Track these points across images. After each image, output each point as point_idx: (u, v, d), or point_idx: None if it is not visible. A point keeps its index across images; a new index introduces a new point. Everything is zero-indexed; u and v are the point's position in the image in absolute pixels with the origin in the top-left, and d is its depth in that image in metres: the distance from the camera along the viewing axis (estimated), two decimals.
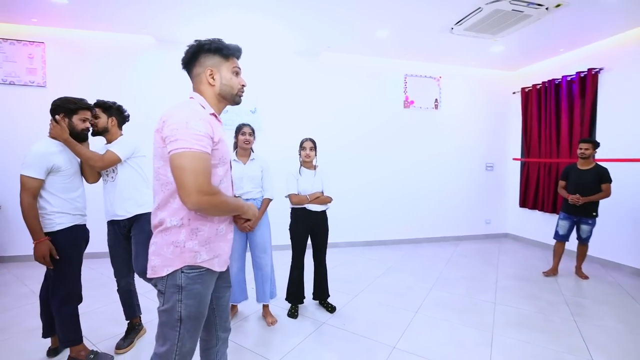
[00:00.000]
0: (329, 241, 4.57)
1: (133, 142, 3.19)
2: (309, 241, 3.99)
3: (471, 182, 7.64)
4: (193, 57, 1.84)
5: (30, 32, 5.67)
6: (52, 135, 2.87)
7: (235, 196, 2.90)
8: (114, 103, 3.24)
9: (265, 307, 3.91)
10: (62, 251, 2.87)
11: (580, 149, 4.84)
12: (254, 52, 6.37)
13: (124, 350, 3.23)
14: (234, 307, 4.03)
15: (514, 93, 7.67)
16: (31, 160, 2.71)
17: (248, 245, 3.84)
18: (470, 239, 7.63)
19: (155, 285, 1.80)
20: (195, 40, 1.84)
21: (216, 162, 1.78)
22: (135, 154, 3.18)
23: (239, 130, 3.75)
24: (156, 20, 5.25)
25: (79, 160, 3.02)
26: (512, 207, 7.82)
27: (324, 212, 3.96)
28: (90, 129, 3.04)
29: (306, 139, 3.90)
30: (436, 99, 7.29)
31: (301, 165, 3.95)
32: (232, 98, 1.91)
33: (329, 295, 4.16)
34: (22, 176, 2.70)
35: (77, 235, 2.97)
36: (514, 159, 7.79)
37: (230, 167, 2.02)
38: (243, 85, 1.92)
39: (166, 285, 1.75)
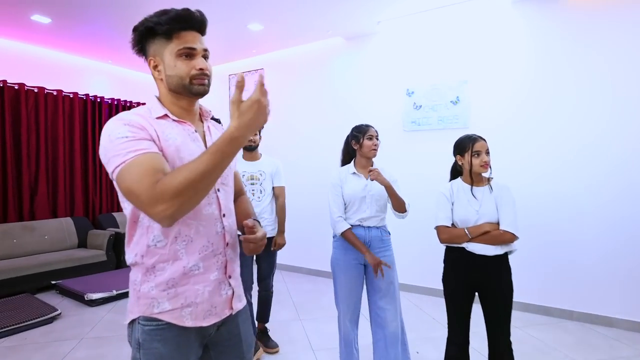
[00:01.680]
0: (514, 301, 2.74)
1: None
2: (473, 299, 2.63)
3: None
4: (141, 48, 1.43)
5: (253, 62, 6.61)
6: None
7: (351, 227, 2.74)
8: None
9: None
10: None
11: None
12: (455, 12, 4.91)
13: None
14: None
15: None
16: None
17: (365, 288, 2.91)
18: None
19: None
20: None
21: None
22: None
23: (363, 132, 2.82)
24: (338, 20, 5.15)
25: None
26: None
27: (501, 257, 2.46)
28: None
29: (475, 137, 2.50)
30: None
31: (466, 178, 2.55)
32: (187, 89, 1.38)
33: None
34: None
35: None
36: None
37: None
38: (201, 70, 1.36)
39: (131, 337, 1.40)
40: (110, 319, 4.39)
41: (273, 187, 3.49)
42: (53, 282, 5.09)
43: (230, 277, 1.46)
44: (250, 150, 3.43)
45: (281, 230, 3.51)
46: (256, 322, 3.66)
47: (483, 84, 4.74)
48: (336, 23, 5.18)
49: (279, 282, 5.55)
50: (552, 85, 4.34)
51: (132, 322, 1.37)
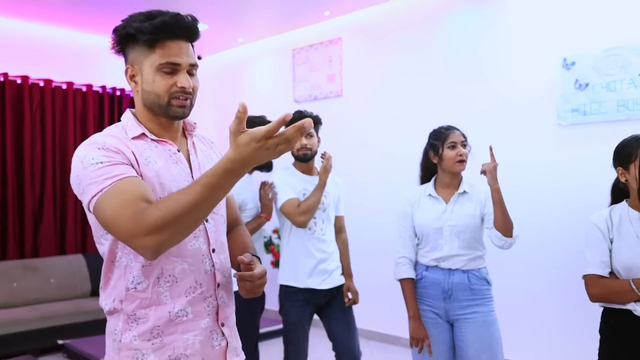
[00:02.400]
0: None
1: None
2: None
3: None
4: (120, 50, 1.43)
5: (325, 30, 5.61)
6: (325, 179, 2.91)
7: (412, 278, 2.70)
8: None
9: None
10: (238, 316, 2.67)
11: None
12: None
13: None
14: None
15: None
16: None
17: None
18: None
19: None
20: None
21: None
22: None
23: (443, 138, 2.53)
24: None
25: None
26: None
27: None
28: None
29: None
30: None
31: (634, 201, 2.15)
32: (163, 110, 1.36)
33: None
34: None
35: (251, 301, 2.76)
36: None
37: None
38: (182, 88, 1.32)
39: None
40: None
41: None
42: (60, 342, 4.63)
43: (223, 325, 1.47)
44: (305, 160, 2.94)
45: (349, 273, 3.13)
46: None
47: None
48: None
49: None
50: None
51: None
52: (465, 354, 2.46)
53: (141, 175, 1.27)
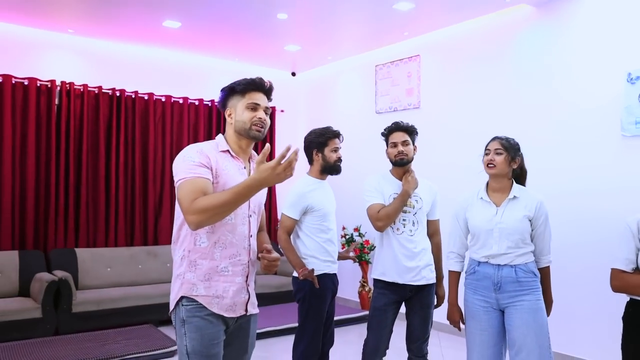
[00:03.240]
0: None
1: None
2: None
3: None
4: (223, 104, 2.14)
5: (404, 48, 5.96)
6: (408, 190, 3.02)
7: (458, 271, 2.95)
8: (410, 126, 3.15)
9: None
10: (306, 301, 3.17)
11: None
12: None
13: None
14: None
15: None
16: (291, 200, 3.14)
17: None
18: None
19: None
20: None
21: None
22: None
23: (485, 146, 2.79)
24: None
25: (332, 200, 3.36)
26: None
27: None
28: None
29: None
30: None
31: None
32: (246, 133, 2.01)
33: None
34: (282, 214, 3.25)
35: (324, 286, 3.19)
36: None
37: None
38: (259, 119, 2.00)
39: (175, 320, 1.96)
40: None
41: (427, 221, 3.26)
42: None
43: (249, 285, 2.04)
44: (401, 165, 3.04)
45: (440, 276, 3.23)
46: None
47: None
48: None
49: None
50: None
51: (176, 306, 1.90)
52: (512, 337, 2.60)
53: (217, 174, 1.86)
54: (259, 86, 2.04)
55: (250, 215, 2.05)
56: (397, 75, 6.06)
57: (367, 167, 5.46)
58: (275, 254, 2.01)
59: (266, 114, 2.01)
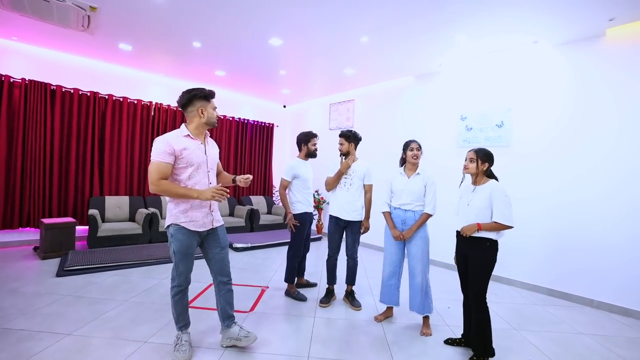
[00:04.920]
0: None
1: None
2: None
3: None
4: (188, 102, 2.89)
5: (347, 95, 8.54)
6: (341, 169, 4.09)
7: (388, 209, 3.83)
8: (351, 132, 4.22)
9: (426, 319, 3.80)
10: (296, 226, 4.45)
11: None
12: (496, 55, 5.74)
13: (324, 305, 4.36)
14: (389, 309, 4.09)
15: None
16: (286, 169, 4.35)
17: (406, 254, 3.85)
18: None
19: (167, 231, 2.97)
20: (188, 90, 2.90)
21: (183, 165, 2.84)
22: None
23: (406, 146, 3.80)
24: (413, 61, 6.22)
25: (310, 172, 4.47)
26: None
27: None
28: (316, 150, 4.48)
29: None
30: None
31: None
32: (212, 124, 2.96)
33: None
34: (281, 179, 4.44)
35: (304, 218, 4.45)
36: None
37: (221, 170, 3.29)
38: (217, 116, 2.98)
39: (168, 232, 2.91)
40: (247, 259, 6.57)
41: (364, 185, 4.25)
42: None
43: (213, 211, 3.02)
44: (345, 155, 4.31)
45: (368, 216, 4.28)
46: (346, 285, 4.51)
47: (525, 111, 5.41)
48: (410, 65, 6.52)
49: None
50: (594, 114, 4.78)
51: (168, 226, 2.90)
52: (410, 251, 3.72)
53: (181, 154, 2.77)
54: (213, 95, 2.91)
55: (209, 171, 2.94)
56: (341, 109, 8.47)
57: (325, 159, 7.28)
58: (244, 176, 3.04)
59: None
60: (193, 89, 2.91)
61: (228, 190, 2.82)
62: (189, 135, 2.86)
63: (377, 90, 7.81)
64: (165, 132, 7.71)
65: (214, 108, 2.96)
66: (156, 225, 7.02)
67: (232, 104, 9.36)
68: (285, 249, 7.39)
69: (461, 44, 5.45)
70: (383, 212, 3.87)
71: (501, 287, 5.50)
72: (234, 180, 3.16)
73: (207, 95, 2.90)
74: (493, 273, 4.25)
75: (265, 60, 6.58)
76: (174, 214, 2.86)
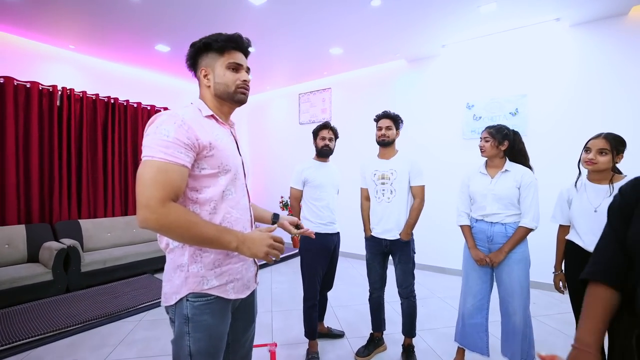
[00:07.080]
0: None
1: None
2: None
3: None
4: (193, 62, 1.65)
5: (322, 83, 7.51)
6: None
7: (468, 222, 2.92)
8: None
9: None
10: (303, 255, 3.29)
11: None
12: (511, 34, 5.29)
13: (362, 359, 3.27)
14: (461, 350, 3.10)
15: None
16: (293, 175, 3.41)
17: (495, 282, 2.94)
18: None
19: (167, 314, 1.58)
20: (194, 42, 1.64)
21: (214, 171, 1.53)
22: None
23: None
24: (407, 44, 5.61)
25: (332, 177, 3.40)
26: None
27: None
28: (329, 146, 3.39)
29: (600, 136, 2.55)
30: None
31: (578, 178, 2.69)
32: (230, 97, 1.61)
33: None
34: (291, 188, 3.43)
35: (311, 243, 3.23)
36: None
37: (245, 176, 1.71)
38: (244, 81, 1.61)
39: (175, 315, 1.53)
40: None
41: (410, 187, 3.18)
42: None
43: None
44: (384, 145, 3.19)
45: (406, 231, 3.17)
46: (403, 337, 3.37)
47: (541, 97, 5.08)
48: (404, 47, 5.74)
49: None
50: (604, 96, 4.64)
51: (179, 301, 1.50)
52: (500, 278, 2.78)
53: (210, 144, 1.45)
54: (239, 44, 1.59)
55: (246, 184, 1.67)
56: (315, 100, 7.53)
57: (294, 156, 7.39)
58: (305, 229, 1.93)
59: (248, 73, 1.62)
60: (201, 38, 1.62)
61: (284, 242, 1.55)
62: (213, 115, 1.59)
63: (360, 77, 7.02)
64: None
65: (234, 67, 1.61)
66: (76, 265, 4.94)
67: (173, 93, 7.50)
68: (286, 264, 6.66)
69: (487, 17, 4.85)
70: (461, 226, 2.98)
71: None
72: (273, 221, 1.92)
73: (210, 43, 1.59)
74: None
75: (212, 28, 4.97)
76: (192, 272, 1.51)
